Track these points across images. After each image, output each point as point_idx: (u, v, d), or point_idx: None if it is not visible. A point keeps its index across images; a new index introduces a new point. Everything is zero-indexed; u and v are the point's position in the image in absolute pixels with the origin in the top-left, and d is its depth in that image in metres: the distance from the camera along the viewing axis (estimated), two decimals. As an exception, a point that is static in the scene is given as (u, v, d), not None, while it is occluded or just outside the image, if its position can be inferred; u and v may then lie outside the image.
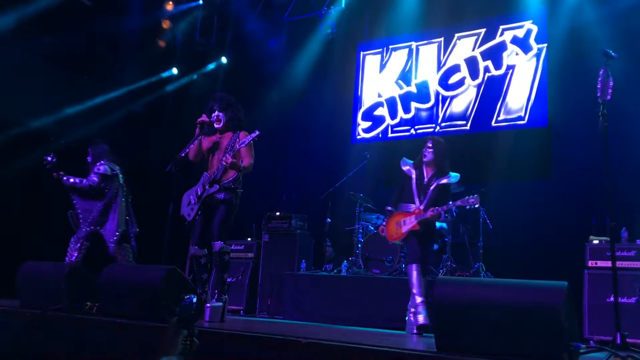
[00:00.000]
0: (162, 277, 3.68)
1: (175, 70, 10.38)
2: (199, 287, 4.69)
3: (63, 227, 6.05)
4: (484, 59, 7.93)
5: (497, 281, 2.96)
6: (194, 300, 2.41)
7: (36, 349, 3.77)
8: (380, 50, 8.91)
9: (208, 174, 4.76)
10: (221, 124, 4.82)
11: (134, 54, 10.00)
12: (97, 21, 9.50)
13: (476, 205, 5.38)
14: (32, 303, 4.26)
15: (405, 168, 5.40)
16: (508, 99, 7.68)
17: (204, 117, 4.87)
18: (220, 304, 4.49)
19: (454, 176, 5.25)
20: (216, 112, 4.84)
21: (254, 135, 4.60)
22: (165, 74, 10.40)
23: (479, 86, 7.93)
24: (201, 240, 4.72)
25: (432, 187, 5.18)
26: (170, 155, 5.04)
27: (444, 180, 5.21)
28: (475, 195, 5.11)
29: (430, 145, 5.31)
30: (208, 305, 4.40)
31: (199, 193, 4.75)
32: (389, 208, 5.36)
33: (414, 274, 5.03)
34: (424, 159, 5.29)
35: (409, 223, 5.13)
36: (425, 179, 5.25)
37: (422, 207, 5.10)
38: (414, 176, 5.28)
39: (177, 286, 3.75)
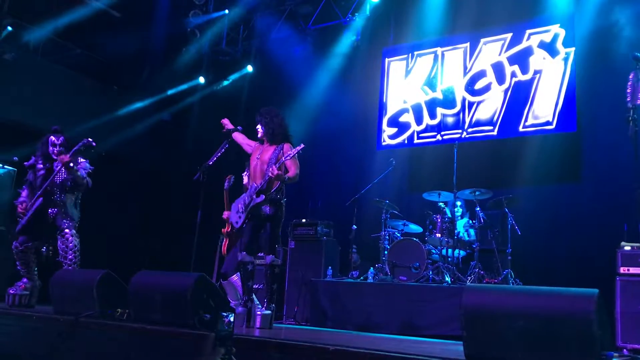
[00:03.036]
0: (191, 284, 3.71)
1: (202, 79, 10.51)
2: (245, 294, 4.85)
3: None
4: (511, 64, 7.87)
5: (527, 288, 2.92)
6: (232, 319, 2.44)
7: (69, 355, 3.84)
8: (405, 56, 8.90)
9: (255, 185, 4.93)
10: (260, 134, 5.08)
11: (161, 64, 10.16)
12: (125, 32, 9.69)
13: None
14: (64, 310, 4.35)
15: None
16: (535, 103, 7.60)
17: (226, 123, 5.05)
18: (270, 312, 4.72)
19: None
20: (258, 125, 5.10)
21: (298, 148, 4.82)
22: (191, 83, 10.54)
23: (505, 91, 7.87)
24: (249, 248, 4.94)
25: None
26: (198, 164, 5.12)
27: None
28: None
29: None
30: (259, 313, 4.65)
31: (247, 202, 4.96)
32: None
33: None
34: None
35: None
36: None
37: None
38: None
39: (206, 293, 3.79)
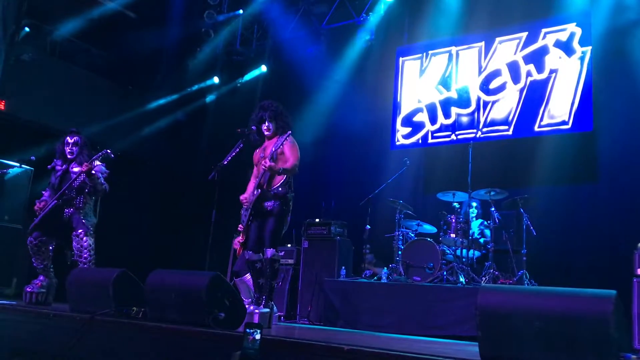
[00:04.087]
0: (206, 283, 3.73)
1: (216, 79, 10.56)
2: (256, 292, 4.78)
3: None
4: (526, 63, 7.81)
5: (543, 289, 2.90)
6: (258, 336, 2.41)
7: (85, 352, 3.87)
8: (419, 55, 8.86)
9: (256, 181, 4.87)
10: (270, 132, 4.96)
11: (176, 64, 10.22)
12: (140, 32, 9.76)
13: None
14: (80, 308, 4.39)
15: None
16: (551, 103, 7.54)
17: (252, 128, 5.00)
18: (268, 310, 4.60)
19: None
20: (266, 122, 4.93)
21: (283, 137, 4.74)
22: (206, 83, 10.59)
23: (521, 90, 7.81)
24: (255, 245, 4.84)
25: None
26: (213, 163, 5.14)
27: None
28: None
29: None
30: (257, 311, 4.49)
31: (250, 199, 4.87)
32: None
33: None
34: None
35: None
36: None
37: None
38: None
39: (220, 292, 3.81)
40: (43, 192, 5.86)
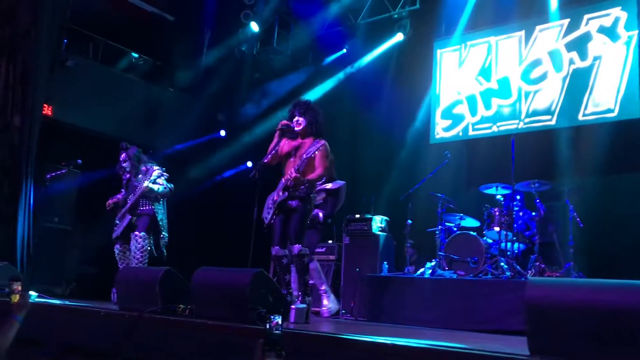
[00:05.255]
0: (249, 280, 3.77)
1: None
2: (283, 288, 4.81)
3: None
4: (569, 51, 7.61)
5: (594, 282, 2.82)
6: (280, 321, 2.43)
7: (133, 349, 3.96)
8: (458, 47, 8.74)
9: (284, 180, 4.92)
10: (301, 127, 4.99)
11: (215, 64, 10.32)
12: (179, 34, 9.90)
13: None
14: (128, 306, 4.49)
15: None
16: (596, 90, 7.33)
17: (284, 123, 5.03)
18: (305, 305, 4.62)
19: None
20: (296, 117, 5.00)
21: (318, 145, 4.83)
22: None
23: (563, 79, 7.62)
24: (281, 241, 4.91)
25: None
26: (254, 161, 5.19)
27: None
28: None
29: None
30: (293, 307, 4.50)
31: (275, 198, 4.95)
32: None
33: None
34: None
35: None
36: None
37: None
38: None
39: (264, 289, 3.84)
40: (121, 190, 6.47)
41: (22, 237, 6.93)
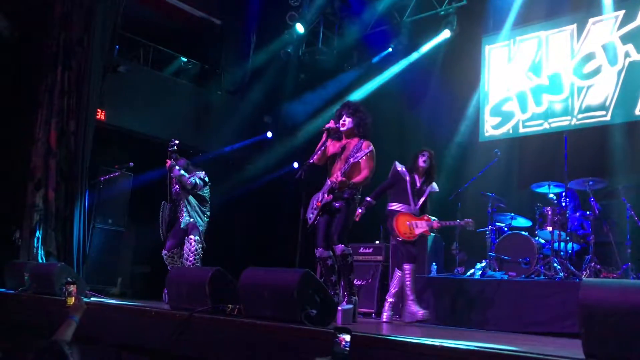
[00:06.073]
0: (297, 280, 3.78)
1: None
2: (330, 289, 4.81)
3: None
4: (624, 43, 7.34)
5: (652, 283, 2.71)
6: (348, 338, 2.41)
7: (184, 348, 4.04)
8: (507, 42, 8.55)
9: (329, 182, 4.92)
10: (347, 127, 4.99)
11: (261, 66, 10.41)
12: (227, 38, 10.03)
13: (469, 229, 5.80)
14: (179, 306, 4.58)
15: (400, 169, 5.76)
16: (653, 84, 7.04)
17: (330, 124, 5.03)
18: (351, 306, 4.64)
19: (435, 185, 5.87)
20: (344, 117, 5.00)
21: (366, 151, 4.81)
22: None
23: (618, 73, 7.36)
24: (325, 242, 4.93)
25: (425, 193, 5.74)
26: (300, 161, 5.21)
27: (435, 189, 5.83)
28: (470, 220, 5.68)
29: (426, 155, 5.81)
30: (340, 308, 4.47)
31: (319, 199, 4.97)
32: (369, 199, 5.58)
33: (411, 271, 5.52)
34: (420, 166, 5.76)
35: (421, 227, 5.62)
36: (418, 184, 5.74)
37: (417, 208, 5.68)
38: (408, 179, 5.69)
39: (311, 289, 3.84)
40: None
41: (78, 239, 7.16)
